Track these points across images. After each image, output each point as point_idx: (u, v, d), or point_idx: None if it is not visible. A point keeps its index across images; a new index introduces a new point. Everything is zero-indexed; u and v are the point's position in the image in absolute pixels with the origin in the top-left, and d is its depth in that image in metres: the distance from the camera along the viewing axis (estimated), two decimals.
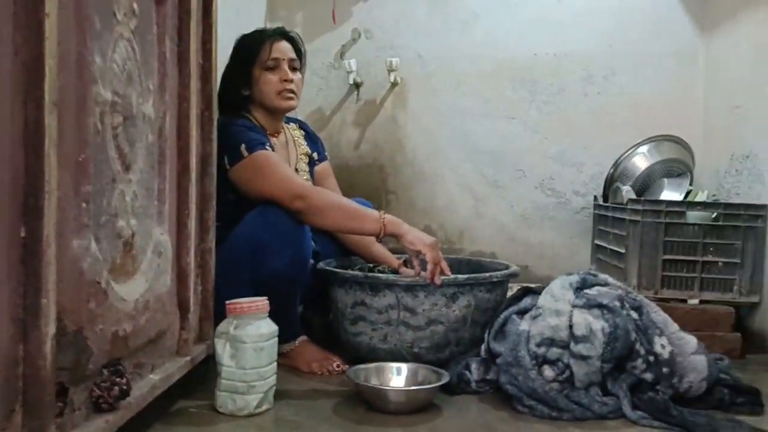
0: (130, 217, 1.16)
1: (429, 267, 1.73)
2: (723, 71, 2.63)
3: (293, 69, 1.99)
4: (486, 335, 1.70)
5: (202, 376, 1.61)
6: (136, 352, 1.20)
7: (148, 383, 1.23)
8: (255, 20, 2.82)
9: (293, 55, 1.99)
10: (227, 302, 1.48)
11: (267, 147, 1.84)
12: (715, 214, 2.19)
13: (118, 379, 1.07)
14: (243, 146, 1.80)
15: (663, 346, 1.53)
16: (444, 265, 1.77)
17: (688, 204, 2.23)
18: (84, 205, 0.99)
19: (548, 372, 1.53)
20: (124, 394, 1.08)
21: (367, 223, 1.77)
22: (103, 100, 1.05)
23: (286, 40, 2.00)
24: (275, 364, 1.51)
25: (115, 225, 1.10)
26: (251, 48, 1.97)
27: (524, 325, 1.60)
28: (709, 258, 2.17)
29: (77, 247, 0.97)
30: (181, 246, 1.45)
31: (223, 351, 1.45)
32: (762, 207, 2.18)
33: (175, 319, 1.41)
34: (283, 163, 1.86)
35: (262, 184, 1.80)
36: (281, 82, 1.95)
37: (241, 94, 1.97)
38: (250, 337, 1.44)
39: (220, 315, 1.55)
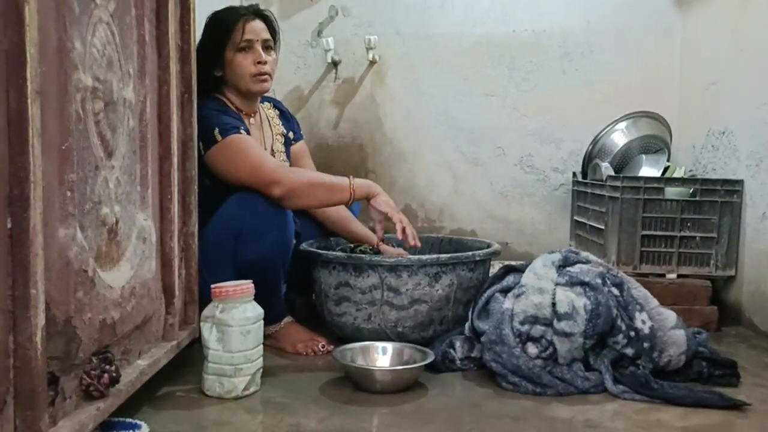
0: (113, 204, 1.15)
1: (398, 227, 1.82)
2: (699, 48, 2.66)
3: (267, 49, 1.93)
4: (470, 313, 1.71)
5: (188, 359, 1.61)
6: (123, 339, 1.20)
7: (136, 369, 1.24)
8: None
9: (267, 35, 1.93)
10: (212, 286, 1.47)
11: (241, 130, 1.81)
12: (692, 190, 2.22)
13: (107, 367, 1.07)
14: (216, 130, 1.77)
15: (643, 322, 1.56)
16: (412, 231, 1.85)
17: (666, 180, 2.26)
18: (69, 193, 0.97)
19: (532, 349, 1.55)
20: (114, 381, 1.08)
21: (340, 194, 1.82)
22: (84, 86, 1.04)
23: (259, 18, 1.93)
24: (261, 346, 1.52)
25: (99, 212, 1.09)
26: (223, 28, 1.90)
27: (508, 303, 1.61)
28: (687, 233, 2.21)
29: (63, 237, 0.96)
30: (165, 231, 1.44)
31: (210, 335, 1.46)
32: (737, 182, 2.21)
33: (161, 305, 1.41)
34: (257, 147, 1.83)
35: (236, 171, 1.78)
36: (255, 65, 1.89)
37: (214, 75, 1.91)
38: (236, 321, 1.45)
39: (203, 299, 1.55)
